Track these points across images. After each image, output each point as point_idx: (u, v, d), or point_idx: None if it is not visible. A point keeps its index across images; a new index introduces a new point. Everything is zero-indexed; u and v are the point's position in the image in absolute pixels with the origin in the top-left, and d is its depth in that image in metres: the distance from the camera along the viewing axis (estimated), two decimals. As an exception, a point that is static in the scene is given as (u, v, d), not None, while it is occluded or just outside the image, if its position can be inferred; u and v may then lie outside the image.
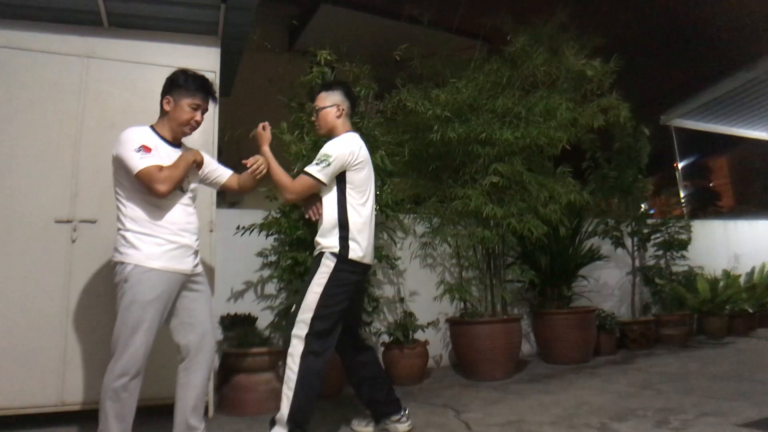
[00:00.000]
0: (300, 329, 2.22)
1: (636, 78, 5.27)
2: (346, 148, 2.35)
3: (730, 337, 5.23)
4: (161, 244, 2.09)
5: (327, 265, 2.28)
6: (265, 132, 2.48)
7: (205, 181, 2.44)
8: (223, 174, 2.47)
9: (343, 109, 2.49)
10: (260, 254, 3.86)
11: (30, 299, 2.69)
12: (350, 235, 2.31)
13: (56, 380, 2.67)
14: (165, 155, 2.14)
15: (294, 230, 3.49)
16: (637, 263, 5.32)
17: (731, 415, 2.47)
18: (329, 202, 2.37)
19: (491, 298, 4.10)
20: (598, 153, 5.19)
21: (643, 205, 5.58)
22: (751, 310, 5.43)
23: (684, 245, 5.35)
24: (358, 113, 3.80)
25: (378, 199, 3.72)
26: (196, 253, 2.23)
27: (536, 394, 3.18)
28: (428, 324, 4.00)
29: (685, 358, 4.24)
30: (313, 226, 3.52)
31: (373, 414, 2.56)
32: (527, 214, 3.85)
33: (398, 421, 2.50)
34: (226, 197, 4.47)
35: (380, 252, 3.79)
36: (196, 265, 2.23)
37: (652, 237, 5.39)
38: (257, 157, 2.36)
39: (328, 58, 3.72)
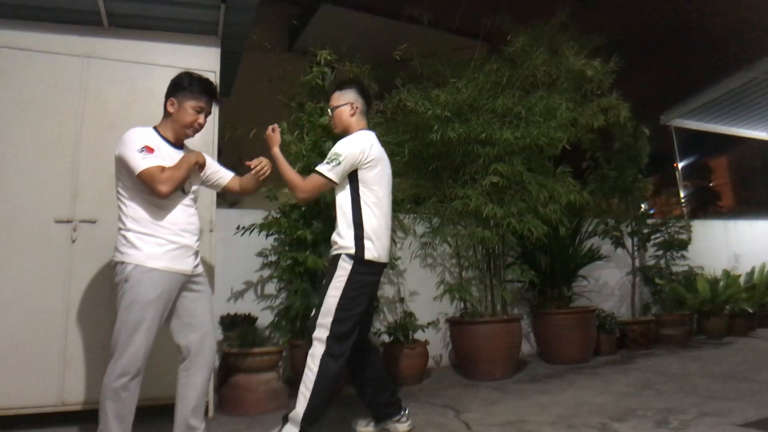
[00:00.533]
0: (321, 332, 2.24)
1: (636, 78, 5.27)
2: (357, 147, 2.34)
3: (730, 337, 5.23)
4: (162, 244, 2.09)
5: (344, 268, 2.29)
6: (274, 134, 2.49)
7: (206, 183, 2.45)
8: (225, 176, 2.48)
9: (357, 107, 2.49)
10: (260, 254, 3.87)
11: (30, 299, 2.69)
12: (365, 235, 2.31)
13: (56, 380, 2.67)
14: (167, 156, 2.15)
15: (294, 230, 3.49)
16: (637, 263, 5.32)
17: (731, 415, 2.47)
18: (343, 201, 2.37)
19: (491, 298, 4.10)
20: (598, 153, 5.19)
21: (643, 205, 5.58)
22: (751, 310, 5.42)
23: (684, 245, 5.35)
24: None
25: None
26: (196, 253, 2.24)
27: (536, 394, 3.18)
28: (428, 324, 4.00)
29: (685, 358, 4.24)
30: (312, 226, 3.53)
31: (374, 415, 2.56)
32: (527, 214, 3.85)
33: (398, 421, 2.51)
34: (227, 197, 4.47)
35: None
36: (197, 266, 2.23)
37: (652, 237, 5.39)
38: (261, 158, 2.36)
39: (328, 58, 3.72)
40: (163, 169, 2.07)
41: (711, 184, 10.00)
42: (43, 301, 2.71)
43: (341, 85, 2.56)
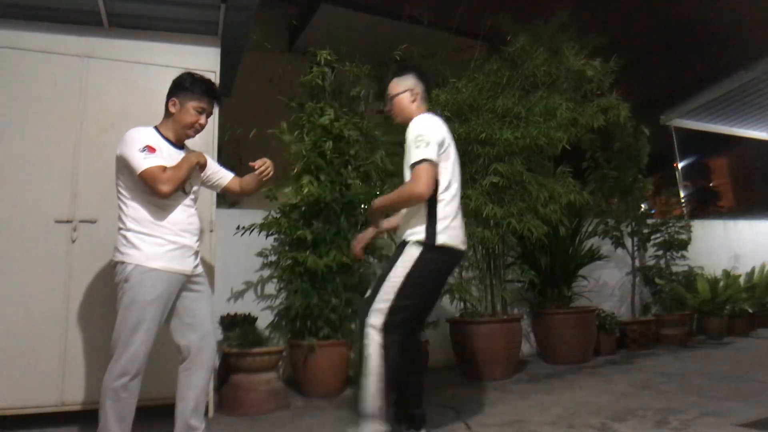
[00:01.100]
0: (376, 318, 2.11)
1: (636, 78, 5.27)
2: (435, 126, 2.24)
3: (730, 337, 5.22)
4: (162, 244, 2.09)
5: (411, 254, 2.16)
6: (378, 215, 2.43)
7: (206, 183, 2.45)
8: (225, 176, 2.48)
9: (417, 93, 2.40)
10: (260, 254, 3.87)
11: (30, 299, 2.69)
12: (437, 221, 2.18)
13: (56, 380, 2.68)
14: (168, 156, 2.15)
15: (294, 230, 3.49)
16: (637, 263, 5.32)
17: (731, 415, 2.47)
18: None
19: (491, 298, 4.10)
20: (598, 153, 5.19)
21: (643, 205, 5.58)
22: (751, 310, 5.42)
23: (684, 245, 5.35)
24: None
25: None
26: (196, 253, 2.24)
27: (536, 394, 3.18)
28: (428, 324, 3.99)
29: (685, 358, 4.24)
30: (312, 226, 3.53)
31: (404, 422, 2.31)
32: (527, 214, 3.85)
33: None
34: (227, 198, 4.47)
35: (380, 252, 3.80)
36: (197, 266, 2.23)
37: (652, 237, 5.39)
38: (264, 159, 2.35)
39: (328, 58, 3.72)
40: (164, 169, 2.07)
41: (711, 184, 9.99)
42: (43, 301, 2.71)
43: (399, 72, 2.45)
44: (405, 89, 2.40)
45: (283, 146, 3.64)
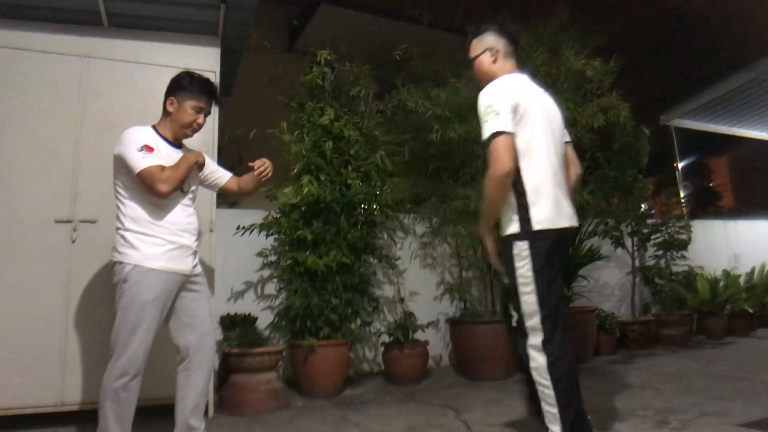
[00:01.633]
0: (535, 338, 1.90)
1: (636, 78, 5.27)
2: (504, 89, 1.97)
3: (730, 337, 5.22)
4: (161, 244, 2.08)
5: (520, 256, 1.91)
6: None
7: (204, 182, 2.44)
8: (223, 176, 2.47)
9: (497, 51, 2.16)
10: (260, 254, 3.86)
11: (30, 299, 2.69)
12: (529, 202, 1.92)
13: (56, 380, 2.67)
14: (166, 155, 2.14)
15: (294, 230, 3.49)
16: (637, 263, 5.31)
17: (731, 415, 2.47)
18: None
19: (491, 298, 4.10)
20: (598, 153, 5.18)
21: (643, 205, 5.58)
22: (751, 310, 5.42)
23: (684, 245, 5.35)
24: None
25: (378, 198, 3.72)
26: (195, 253, 2.23)
27: (536, 394, 3.18)
28: (428, 324, 4.00)
29: (685, 358, 4.24)
30: (312, 226, 3.53)
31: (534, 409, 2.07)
32: (527, 214, 3.84)
33: None
34: (227, 197, 4.47)
35: (380, 252, 3.80)
36: (195, 266, 2.23)
37: (652, 237, 5.39)
38: (263, 159, 2.35)
39: (328, 58, 3.72)
40: (163, 168, 2.06)
41: (711, 184, 9.98)
42: (43, 301, 2.71)
43: (477, 31, 2.23)
44: (484, 49, 2.17)
45: (283, 146, 3.64)
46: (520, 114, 1.96)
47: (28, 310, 2.68)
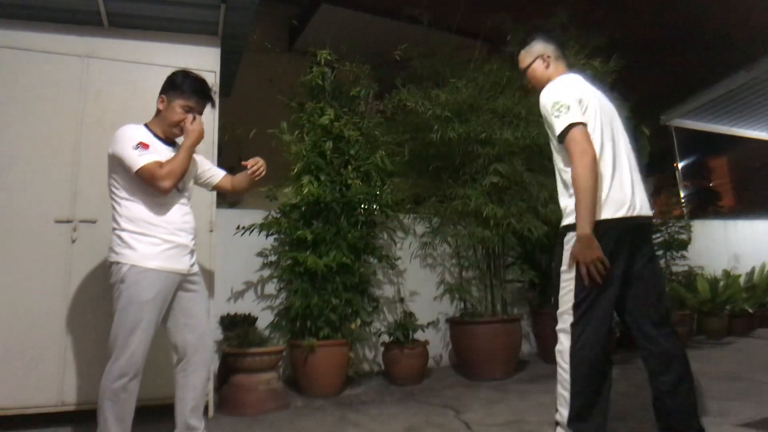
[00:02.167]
0: (563, 322, 1.92)
1: (636, 78, 5.27)
2: (567, 85, 2.03)
3: (730, 337, 5.22)
4: (158, 243, 2.07)
5: (567, 242, 1.92)
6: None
7: (198, 181, 2.42)
8: (217, 174, 2.46)
9: (548, 56, 2.22)
10: (260, 254, 3.86)
11: (30, 299, 2.69)
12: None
13: (56, 380, 2.67)
14: (160, 153, 2.12)
15: (294, 230, 3.49)
16: (637, 263, 5.30)
17: (731, 415, 2.47)
18: (558, 162, 2.03)
19: (491, 298, 4.10)
20: (598, 153, 5.18)
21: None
22: (751, 310, 5.42)
23: (684, 245, 5.34)
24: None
25: (378, 198, 3.72)
26: (192, 252, 2.22)
27: (536, 394, 3.18)
28: (428, 324, 3.99)
29: (685, 358, 4.23)
30: (312, 226, 3.53)
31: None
32: (527, 214, 3.85)
33: None
34: (227, 197, 4.47)
35: (380, 252, 3.80)
36: (193, 265, 2.22)
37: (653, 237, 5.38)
38: (257, 158, 2.34)
39: (328, 58, 3.72)
40: (161, 164, 2.05)
41: (711, 184, 9.99)
42: (42, 301, 2.71)
43: (524, 42, 2.27)
44: (534, 57, 2.23)
45: (283, 146, 3.64)
46: (584, 108, 1.99)
47: (28, 310, 2.68)
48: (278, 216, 3.60)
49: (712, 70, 6.55)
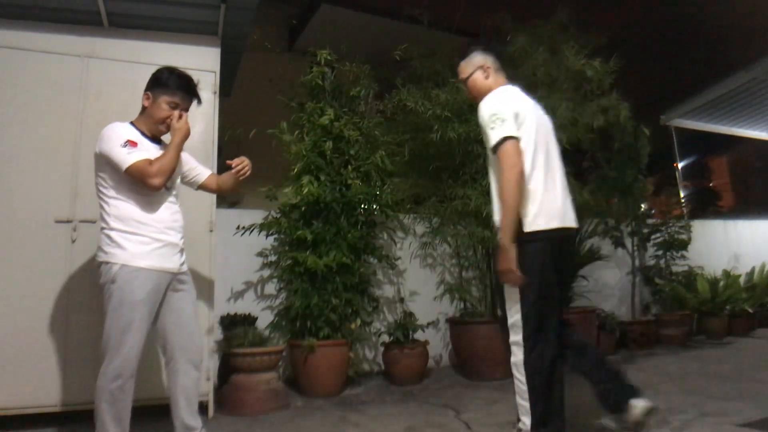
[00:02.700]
0: (515, 334, 2.00)
1: (636, 78, 5.27)
2: (505, 99, 2.09)
3: (730, 337, 5.22)
4: (147, 242, 2.05)
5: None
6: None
7: (184, 179, 2.40)
8: (203, 173, 2.43)
9: (488, 67, 2.26)
10: (260, 254, 3.86)
11: (30, 299, 2.69)
12: (526, 203, 2.00)
13: (56, 380, 2.68)
14: (147, 151, 2.11)
15: (294, 230, 3.49)
16: (637, 263, 5.31)
17: (731, 415, 2.47)
18: (495, 172, 2.09)
19: (491, 298, 4.10)
20: (598, 153, 5.19)
21: (643, 205, 5.58)
22: (751, 310, 5.42)
23: (684, 245, 5.35)
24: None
25: (378, 198, 3.72)
26: (182, 251, 2.20)
27: (536, 394, 3.18)
28: (428, 324, 3.99)
29: (685, 358, 4.24)
30: (312, 226, 3.53)
31: (607, 404, 2.19)
32: (527, 214, 3.84)
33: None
34: (227, 197, 4.47)
35: (380, 252, 3.80)
36: (183, 264, 2.20)
37: (652, 237, 5.39)
38: (242, 158, 2.31)
39: (328, 58, 3.72)
40: (150, 161, 2.03)
41: (711, 184, 9.98)
42: (43, 301, 2.71)
43: (464, 53, 2.33)
44: (474, 69, 2.28)
45: (283, 146, 3.64)
46: (520, 121, 2.06)
47: (28, 310, 2.68)
48: (278, 216, 3.60)
49: (712, 70, 6.55)
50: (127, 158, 2.00)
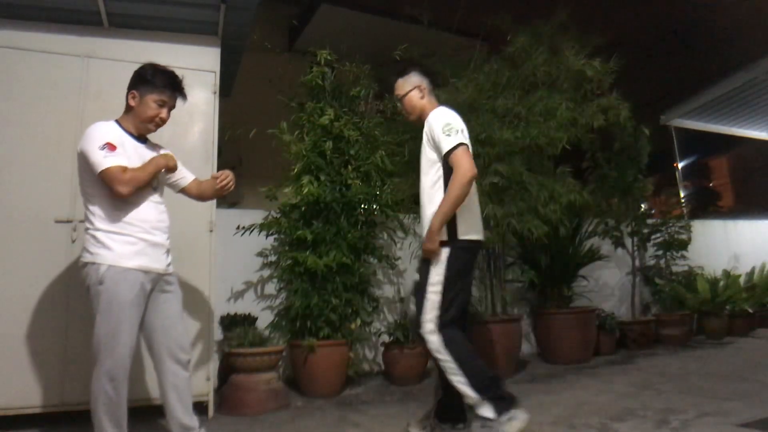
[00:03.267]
0: (431, 323, 2.17)
1: (636, 78, 5.27)
2: (456, 116, 2.30)
3: (730, 337, 5.22)
4: (134, 242, 2.03)
5: (440, 256, 2.22)
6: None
7: (167, 182, 2.36)
8: (186, 177, 2.38)
9: (424, 88, 2.43)
10: (260, 254, 3.87)
11: (30, 299, 2.69)
12: (456, 215, 2.23)
13: (56, 380, 2.68)
14: (132, 150, 2.10)
15: (294, 230, 3.49)
16: (637, 263, 5.31)
17: (731, 415, 2.47)
18: (432, 183, 2.29)
19: (491, 298, 4.10)
20: (598, 153, 5.19)
21: (643, 205, 5.58)
22: (751, 310, 5.42)
23: (684, 245, 5.34)
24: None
25: (378, 198, 3.72)
26: (168, 251, 2.18)
27: (536, 394, 3.18)
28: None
29: (685, 358, 4.24)
30: (312, 226, 3.53)
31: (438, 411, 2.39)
32: (527, 214, 3.85)
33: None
34: (227, 197, 4.46)
35: (380, 252, 3.80)
36: (169, 264, 2.18)
37: (652, 237, 5.39)
38: (226, 172, 2.29)
39: (328, 58, 3.72)
40: (125, 169, 2.00)
41: (711, 184, 9.98)
42: (43, 301, 2.71)
43: (402, 72, 2.46)
44: (412, 87, 2.42)
45: (283, 146, 3.64)
46: (465, 139, 2.27)
47: (28, 310, 2.68)
48: (278, 216, 3.60)
49: (712, 70, 6.55)
50: (102, 161, 1.97)
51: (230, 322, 3.44)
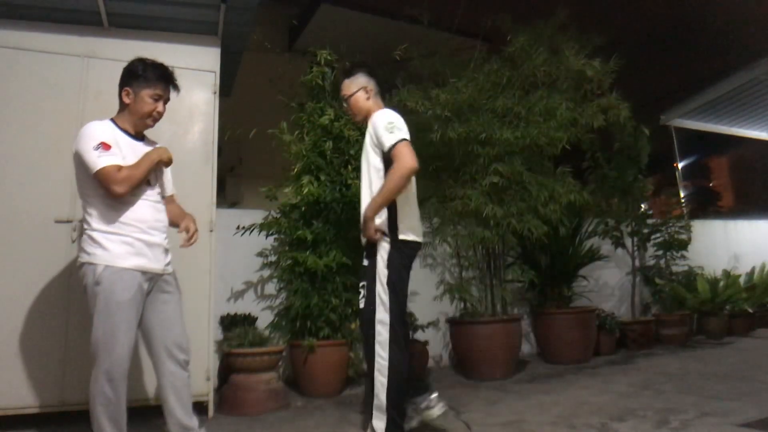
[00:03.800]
0: (383, 317, 2.21)
1: (636, 78, 5.27)
2: (399, 117, 2.34)
3: (730, 337, 5.22)
4: (131, 242, 2.02)
5: (383, 254, 2.26)
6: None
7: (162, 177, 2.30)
8: (167, 188, 2.31)
9: (370, 90, 2.46)
10: (260, 254, 3.86)
11: (30, 299, 2.69)
12: (397, 215, 2.29)
13: (56, 380, 2.68)
14: (128, 149, 2.07)
15: (294, 230, 3.49)
16: (637, 263, 5.31)
17: (731, 415, 2.47)
18: (374, 182, 2.33)
19: (491, 298, 4.10)
20: (598, 153, 5.19)
21: (643, 205, 5.58)
22: (751, 310, 5.42)
23: (684, 245, 5.34)
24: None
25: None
26: (166, 251, 2.17)
27: (536, 394, 3.18)
28: (428, 324, 4.00)
29: (685, 358, 4.24)
30: (312, 226, 3.53)
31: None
32: (527, 214, 3.85)
33: (427, 407, 2.38)
34: (227, 197, 4.46)
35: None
36: (168, 264, 2.16)
37: (652, 237, 5.39)
38: (190, 225, 2.24)
39: (328, 58, 3.72)
40: (119, 168, 1.98)
41: (711, 184, 9.98)
42: (42, 301, 2.71)
43: (348, 72, 2.49)
44: (358, 88, 2.45)
45: (283, 146, 3.64)
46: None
47: (28, 310, 2.68)
48: (278, 216, 3.60)
49: (712, 70, 6.55)
50: (97, 161, 1.95)
51: (230, 322, 3.44)
